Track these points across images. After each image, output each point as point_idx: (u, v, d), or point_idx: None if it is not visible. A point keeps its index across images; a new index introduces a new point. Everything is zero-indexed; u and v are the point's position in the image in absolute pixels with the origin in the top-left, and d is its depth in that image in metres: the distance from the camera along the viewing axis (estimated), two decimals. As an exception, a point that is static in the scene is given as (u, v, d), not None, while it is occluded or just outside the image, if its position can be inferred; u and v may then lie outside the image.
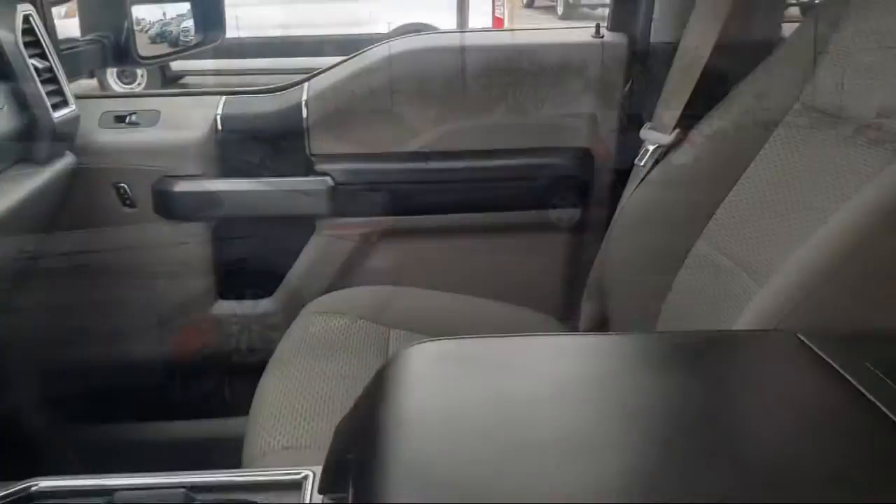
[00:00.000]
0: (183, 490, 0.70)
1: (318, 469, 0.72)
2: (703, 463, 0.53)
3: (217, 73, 6.54)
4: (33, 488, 0.71)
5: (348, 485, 0.61)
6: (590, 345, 0.75)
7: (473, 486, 0.50)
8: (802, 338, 0.70)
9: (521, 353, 0.70)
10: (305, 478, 0.72)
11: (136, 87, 6.25)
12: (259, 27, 6.27)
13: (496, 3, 7.48)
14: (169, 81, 6.69)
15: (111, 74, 5.99)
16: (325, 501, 0.69)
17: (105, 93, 1.47)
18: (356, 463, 0.61)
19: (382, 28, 7.29)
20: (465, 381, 0.63)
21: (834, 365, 0.65)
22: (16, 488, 0.71)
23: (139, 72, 6.20)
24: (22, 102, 1.18)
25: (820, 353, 0.67)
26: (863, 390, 0.62)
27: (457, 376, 0.64)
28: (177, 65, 5.93)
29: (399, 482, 0.51)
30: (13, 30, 1.19)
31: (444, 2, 7.22)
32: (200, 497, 0.70)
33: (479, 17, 7.17)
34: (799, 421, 0.61)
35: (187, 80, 6.92)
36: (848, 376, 0.64)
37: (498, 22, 7.48)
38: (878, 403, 0.60)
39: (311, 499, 0.69)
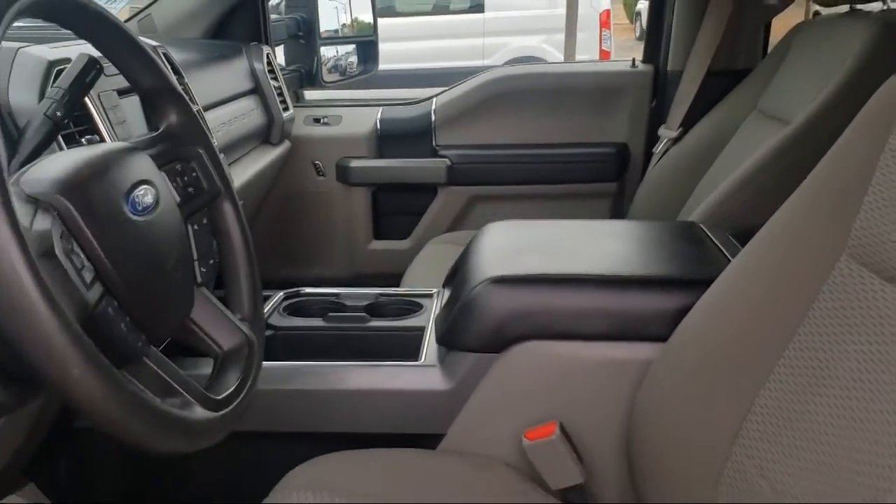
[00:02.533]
0: (376, 293, 1.39)
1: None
2: (627, 254, 1.18)
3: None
4: (301, 291, 1.42)
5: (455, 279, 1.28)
6: (596, 223, 1.41)
7: (522, 267, 1.14)
8: (701, 225, 1.33)
9: (561, 226, 1.35)
10: (438, 292, 1.39)
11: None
12: (389, 61, 6.98)
13: (602, 37, 7.87)
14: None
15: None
16: (445, 291, 1.36)
17: (308, 103, 2.17)
18: (459, 269, 1.28)
19: (497, 60, 7.85)
20: (523, 232, 1.30)
21: (709, 234, 1.27)
22: (293, 290, 1.42)
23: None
24: (265, 108, 1.92)
25: (705, 230, 1.30)
26: (717, 245, 1.23)
27: (518, 231, 1.31)
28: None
29: (475, 271, 1.17)
30: (262, 62, 1.94)
31: (555, 39, 7.64)
32: (383, 298, 1.39)
33: (587, 50, 7.54)
34: (674, 250, 1.24)
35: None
36: (713, 239, 1.25)
37: (605, 55, 7.83)
38: (720, 249, 1.21)
39: (438, 293, 1.36)
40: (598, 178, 2.07)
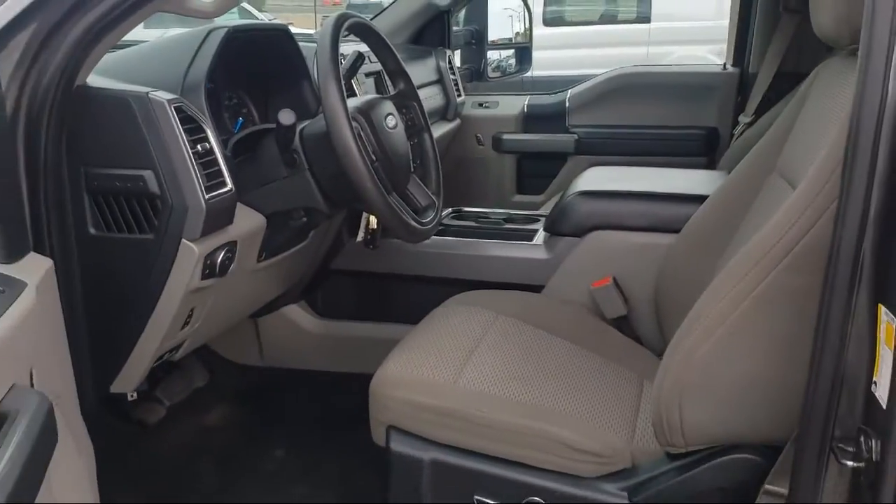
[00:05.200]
0: (512, 212, 2.12)
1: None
2: (669, 182, 1.85)
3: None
4: (462, 209, 2.17)
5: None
6: (656, 169, 2.06)
7: (598, 186, 1.84)
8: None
9: (633, 169, 2.03)
10: (549, 213, 2.10)
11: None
12: (557, 67, 7.55)
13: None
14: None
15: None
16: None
17: (475, 93, 2.95)
18: (563, 192, 1.98)
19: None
20: (608, 171, 1.99)
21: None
22: (457, 207, 2.18)
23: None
24: (445, 93, 2.69)
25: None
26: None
27: (605, 170, 2.00)
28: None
29: (571, 189, 1.87)
30: (444, 62, 2.72)
31: (720, 49, 7.84)
32: (516, 214, 2.11)
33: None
34: (700, 182, 1.88)
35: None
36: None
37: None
38: None
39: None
40: (693, 154, 2.68)
